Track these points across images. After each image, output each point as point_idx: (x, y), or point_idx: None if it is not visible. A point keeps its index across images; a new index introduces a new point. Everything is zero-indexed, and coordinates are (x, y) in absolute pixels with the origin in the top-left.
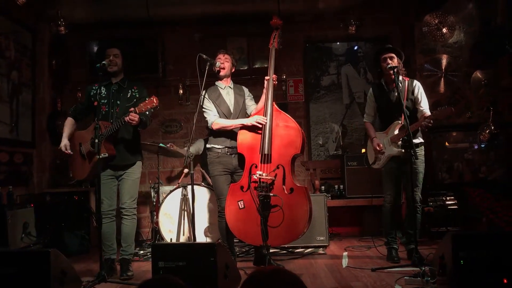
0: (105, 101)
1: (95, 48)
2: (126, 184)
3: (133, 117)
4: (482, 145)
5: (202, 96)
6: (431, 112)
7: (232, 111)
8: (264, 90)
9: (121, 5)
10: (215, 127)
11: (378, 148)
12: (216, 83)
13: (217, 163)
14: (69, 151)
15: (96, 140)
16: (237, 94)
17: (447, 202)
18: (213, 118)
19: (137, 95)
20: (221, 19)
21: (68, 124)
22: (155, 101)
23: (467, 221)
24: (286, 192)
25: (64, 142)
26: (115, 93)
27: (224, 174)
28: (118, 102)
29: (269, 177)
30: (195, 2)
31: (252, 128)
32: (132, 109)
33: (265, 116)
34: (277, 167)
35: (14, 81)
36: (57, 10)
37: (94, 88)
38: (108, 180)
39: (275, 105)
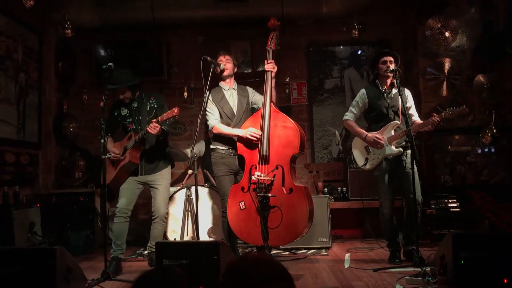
0: (130, 119)
1: (101, 51)
2: (161, 190)
3: (154, 127)
4: (486, 149)
5: (206, 98)
6: (443, 111)
7: (235, 113)
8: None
9: (126, 8)
10: (214, 131)
11: (380, 140)
12: (220, 84)
13: (221, 164)
14: (117, 151)
15: (102, 141)
16: (241, 95)
17: (449, 205)
18: (214, 122)
19: (156, 105)
20: (224, 23)
21: (108, 141)
22: (176, 111)
23: (469, 224)
24: (285, 192)
25: (111, 148)
26: (137, 109)
27: (228, 174)
28: (141, 117)
29: (268, 178)
30: (199, 6)
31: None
32: (154, 120)
33: (263, 116)
34: (276, 168)
35: (21, 83)
36: (63, 13)
37: (116, 108)
38: (133, 182)
39: (273, 106)
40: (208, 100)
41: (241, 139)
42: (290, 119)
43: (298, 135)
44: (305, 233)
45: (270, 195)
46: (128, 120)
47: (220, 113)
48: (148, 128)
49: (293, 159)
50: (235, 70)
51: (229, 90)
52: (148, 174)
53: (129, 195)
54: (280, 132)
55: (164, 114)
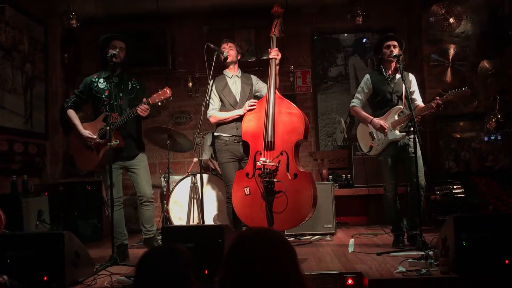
0: (108, 93)
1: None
2: (141, 174)
3: (146, 109)
4: (492, 137)
5: (209, 86)
6: (445, 94)
7: (238, 100)
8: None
9: None
10: (212, 120)
11: (385, 127)
12: (224, 71)
13: (225, 151)
14: (95, 136)
15: (108, 128)
16: (244, 83)
17: (454, 191)
18: (211, 112)
19: (138, 87)
20: (229, 12)
21: (75, 116)
22: (168, 92)
23: (474, 209)
24: (290, 177)
25: (85, 131)
26: (116, 85)
27: (232, 161)
28: (121, 94)
29: (273, 164)
30: None
31: (256, 116)
32: (144, 99)
33: (268, 103)
34: (281, 153)
35: (28, 74)
36: (68, 4)
37: (93, 80)
38: (115, 170)
39: (278, 93)
40: (211, 90)
41: (247, 124)
42: (295, 106)
43: (302, 121)
44: (309, 218)
45: (275, 180)
46: (106, 94)
47: (223, 101)
48: (138, 111)
49: (298, 145)
50: (239, 57)
51: (233, 77)
52: (127, 160)
53: (116, 183)
54: (285, 118)
55: (155, 95)
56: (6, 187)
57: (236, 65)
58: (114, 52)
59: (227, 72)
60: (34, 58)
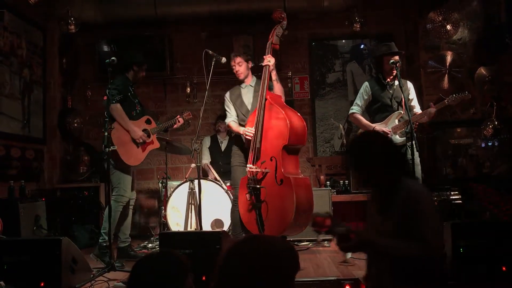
0: (136, 101)
1: (104, 47)
2: (133, 177)
3: (181, 122)
4: (489, 143)
5: (225, 98)
6: (445, 98)
7: (250, 110)
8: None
9: (129, 4)
10: (228, 129)
11: (388, 133)
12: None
13: (238, 155)
14: (142, 135)
15: (106, 133)
16: (256, 91)
17: (451, 197)
18: (227, 120)
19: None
20: (227, 18)
21: (123, 112)
22: (190, 115)
23: (471, 216)
24: (277, 183)
25: (139, 130)
26: (135, 94)
27: (242, 165)
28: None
29: (257, 170)
30: (201, 1)
31: (252, 124)
32: (179, 116)
33: (258, 110)
34: (271, 159)
35: (26, 79)
36: (67, 9)
37: (130, 84)
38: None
39: (269, 99)
40: (226, 100)
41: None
42: (283, 112)
43: (286, 125)
44: (300, 222)
45: (258, 186)
46: (136, 100)
47: (236, 112)
48: (179, 121)
49: (288, 150)
50: (250, 65)
51: (246, 87)
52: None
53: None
54: (273, 123)
55: (185, 114)
56: (3, 192)
57: (250, 75)
58: (113, 58)
59: (242, 83)
60: (32, 63)
